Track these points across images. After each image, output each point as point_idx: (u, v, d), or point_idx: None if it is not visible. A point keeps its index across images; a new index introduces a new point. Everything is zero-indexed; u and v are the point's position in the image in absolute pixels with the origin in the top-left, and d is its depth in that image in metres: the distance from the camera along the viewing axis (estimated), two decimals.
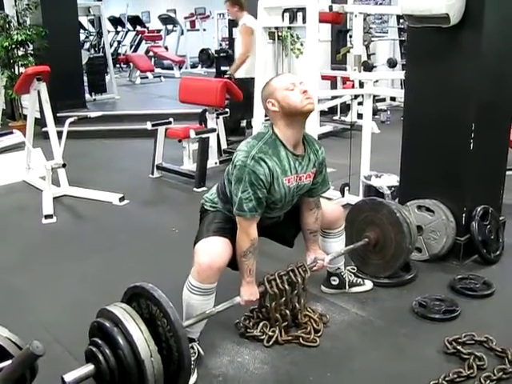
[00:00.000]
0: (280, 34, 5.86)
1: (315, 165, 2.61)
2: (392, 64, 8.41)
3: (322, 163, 2.67)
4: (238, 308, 2.66)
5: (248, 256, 2.46)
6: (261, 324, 2.73)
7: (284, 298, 2.67)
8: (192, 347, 2.46)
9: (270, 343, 2.66)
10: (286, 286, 2.65)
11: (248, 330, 2.74)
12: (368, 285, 3.19)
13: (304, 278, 2.70)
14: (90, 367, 2.00)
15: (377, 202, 3.28)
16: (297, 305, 2.73)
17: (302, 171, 2.54)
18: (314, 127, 3.88)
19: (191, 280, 2.44)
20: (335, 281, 3.14)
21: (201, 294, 2.43)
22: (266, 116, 4.33)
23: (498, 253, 3.53)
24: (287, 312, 2.69)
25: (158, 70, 13.73)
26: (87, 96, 9.11)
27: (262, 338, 2.68)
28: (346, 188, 4.57)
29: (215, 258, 2.40)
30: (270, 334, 2.68)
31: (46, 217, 4.48)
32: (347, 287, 3.13)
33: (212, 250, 2.42)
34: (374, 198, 3.34)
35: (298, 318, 2.76)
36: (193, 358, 2.43)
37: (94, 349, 2.02)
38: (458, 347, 2.53)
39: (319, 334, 2.72)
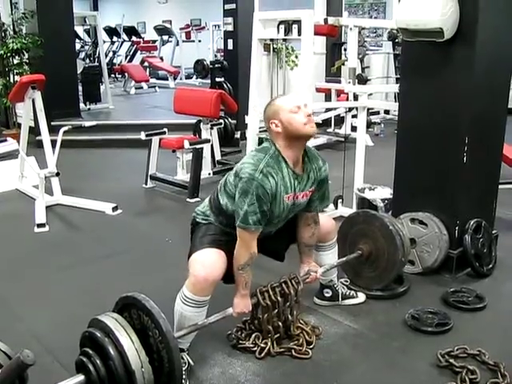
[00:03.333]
0: (275, 46, 5.90)
1: (314, 183, 2.61)
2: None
3: (323, 180, 2.66)
4: (230, 319, 2.65)
5: (245, 269, 2.45)
6: (253, 336, 2.71)
7: (276, 310, 2.66)
8: (182, 357, 2.45)
9: (262, 355, 2.64)
10: (279, 298, 2.64)
11: (240, 342, 2.72)
12: (361, 297, 3.19)
13: (297, 290, 2.70)
14: (80, 378, 1.98)
15: (370, 214, 3.28)
16: (289, 316, 2.72)
17: (300, 190, 2.54)
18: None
19: (185, 291, 2.42)
20: (328, 293, 3.13)
21: (194, 306, 2.42)
22: (260, 128, 4.34)
23: (490, 266, 3.53)
24: (279, 324, 2.68)
25: (152, 81, 13.76)
26: (82, 105, 9.10)
27: (254, 349, 2.67)
28: (340, 200, 4.58)
29: (211, 271, 2.39)
30: (262, 345, 2.67)
31: (39, 225, 4.46)
32: (340, 299, 3.13)
33: (207, 263, 2.40)
34: (367, 211, 3.34)
35: (290, 329, 2.75)
36: (183, 369, 2.42)
37: (85, 359, 2.00)
38: (451, 360, 2.53)
39: (311, 346, 2.71)
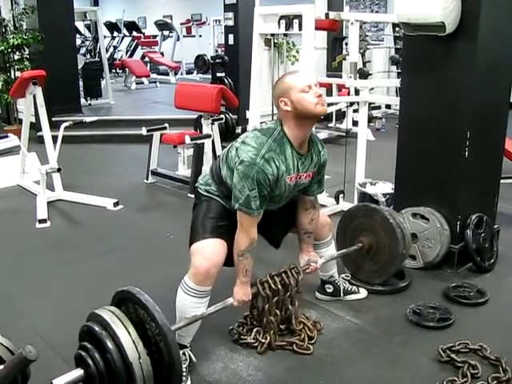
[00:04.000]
0: (276, 40, 5.88)
1: (316, 165, 2.60)
2: (395, 62, 8.44)
3: (322, 165, 2.66)
4: (232, 314, 2.66)
5: (245, 255, 2.43)
6: (254, 331, 2.71)
7: (276, 298, 2.64)
8: (184, 353, 2.46)
9: (263, 349, 2.65)
10: (279, 287, 2.62)
11: (241, 337, 2.73)
12: (363, 293, 3.19)
13: (297, 280, 2.69)
14: (80, 372, 1.98)
15: (370, 207, 3.28)
16: (290, 306, 2.71)
17: (303, 170, 2.52)
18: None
19: (187, 281, 2.42)
20: (330, 288, 3.13)
21: (196, 296, 2.42)
22: (261, 123, 4.33)
23: (492, 261, 3.53)
24: (277, 312, 2.66)
25: (153, 76, 13.75)
26: (82, 101, 9.10)
27: (255, 345, 2.67)
28: (341, 195, 4.57)
29: (212, 264, 2.39)
30: (262, 340, 2.67)
31: (40, 221, 4.46)
32: (342, 295, 3.13)
33: (209, 256, 2.40)
34: (367, 204, 3.33)
35: (292, 322, 2.75)
36: (185, 365, 2.43)
37: (83, 353, 2.00)
38: (452, 355, 2.53)
39: (313, 341, 2.72)
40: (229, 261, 2.49)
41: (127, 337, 1.94)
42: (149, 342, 2.00)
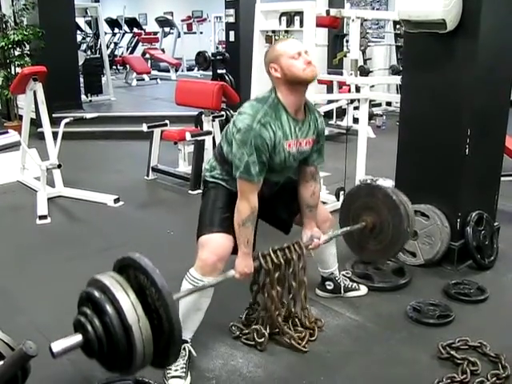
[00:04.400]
0: (277, 37, 5.87)
1: (315, 133, 2.59)
2: (395, 71, 8.44)
3: (321, 133, 2.65)
4: (232, 310, 2.66)
5: (247, 225, 2.42)
6: (252, 327, 2.71)
7: (278, 274, 2.60)
8: (184, 348, 2.47)
9: (262, 340, 2.66)
10: (282, 261, 2.58)
11: (243, 332, 2.74)
12: (363, 290, 3.19)
13: (299, 255, 2.64)
14: (78, 337, 1.93)
15: (372, 186, 3.19)
16: (293, 283, 2.66)
17: (302, 136, 2.52)
18: None
19: (193, 273, 2.45)
20: (330, 285, 3.14)
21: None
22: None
23: (492, 258, 3.53)
24: (279, 289, 2.61)
25: (154, 73, 13.74)
26: (83, 97, 9.09)
27: (259, 340, 2.67)
28: (342, 192, 4.57)
29: (219, 257, 2.43)
30: (259, 341, 2.67)
31: (41, 217, 4.46)
32: (342, 292, 3.13)
33: (216, 250, 2.43)
34: (369, 183, 3.22)
35: (295, 303, 2.71)
36: (184, 360, 2.45)
37: (82, 318, 1.95)
38: (452, 352, 2.53)
39: (314, 338, 2.72)
40: (236, 249, 2.51)
41: (126, 300, 1.89)
42: (149, 308, 1.95)
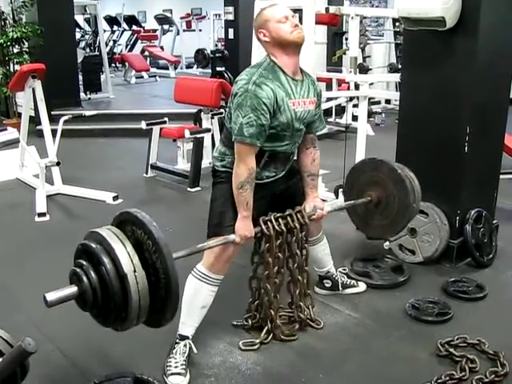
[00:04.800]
0: None
1: (315, 94, 2.60)
2: (393, 69, 8.43)
3: (319, 95, 2.65)
4: (232, 308, 2.65)
5: (245, 187, 2.40)
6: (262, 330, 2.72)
7: (280, 241, 2.57)
8: (185, 345, 2.49)
9: (268, 340, 2.67)
10: (283, 228, 2.55)
11: (248, 331, 2.75)
12: (361, 286, 3.19)
13: (302, 224, 2.61)
14: (73, 288, 1.91)
15: (376, 160, 3.08)
16: (297, 251, 2.63)
17: (305, 96, 2.52)
18: None
19: (202, 269, 2.48)
20: (328, 283, 3.14)
21: (210, 284, 2.48)
22: None
23: (490, 256, 3.54)
24: (279, 255, 2.59)
25: (153, 70, 13.73)
26: (82, 95, 9.09)
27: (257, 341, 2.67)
28: (340, 190, 4.57)
29: (230, 257, 2.48)
30: (256, 341, 2.67)
31: (39, 215, 4.46)
32: (340, 289, 3.13)
33: (229, 250, 2.46)
34: (374, 158, 3.09)
35: (299, 273, 2.70)
36: (184, 357, 2.46)
37: (78, 270, 1.94)
38: (451, 350, 2.54)
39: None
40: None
41: (122, 249, 1.88)
42: (146, 263, 1.92)
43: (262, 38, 2.47)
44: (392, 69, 8.50)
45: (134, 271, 1.86)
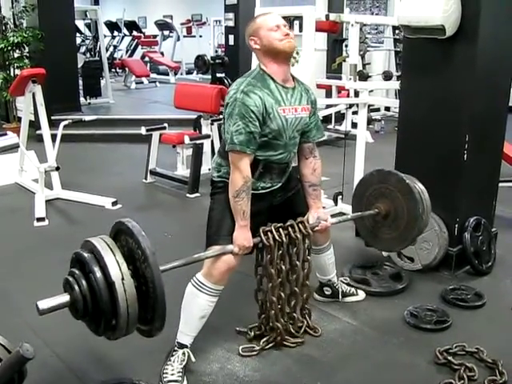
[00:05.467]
0: None
1: (308, 101, 2.61)
2: (388, 77, 8.44)
3: (314, 102, 2.66)
4: (231, 316, 2.64)
5: (241, 196, 2.40)
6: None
7: (281, 252, 2.55)
8: (184, 353, 2.47)
9: (268, 347, 2.67)
10: (284, 239, 2.53)
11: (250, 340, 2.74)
12: (361, 295, 3.19)
13: (304, 235, 2.59)
14: (66, 297, 1.94)
15: (384, 172, 3.08)
16: (297, 263, 2.60)
17: (296, 103, 2.53)
18: None
19: (201, 279, 2.46)
20: (328, 291, 3.13)
21: (209, 294, 2.46)
22: None
23: (489, 264, 3.53)
24: (282, 267, 2.57)
25: (153, 76, 13.75)
26: (82, 100, 9.10)
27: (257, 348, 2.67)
28: (340, 197, 4.57)
29: (231, 267, 2.46)
30: (256, 348, 2.67)
31: (38, 220, 4.46)
32: (340, 297, 3.13)
33: (229, 260, 2.44)
34: (381, 169, 3.10)
35: (297, 283, 2.67)
36: (182, 365, 2.45)
37: (70, 278, 1.96)
38: (449, 358, 2.53)
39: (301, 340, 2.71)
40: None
41: (111, 258, 1.90)
42: (138, 273, 1.95)
43: (253, 46, 2.51)
44: (387, 77, 8.50)
45: (122, 279, 1.89)
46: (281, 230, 2.54)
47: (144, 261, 1.92)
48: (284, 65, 2.49)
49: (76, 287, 1.93)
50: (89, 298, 1.91)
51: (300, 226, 2.60)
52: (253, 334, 2.75)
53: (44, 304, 1.89)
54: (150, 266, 1.90)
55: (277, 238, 2.52)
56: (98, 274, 1.89)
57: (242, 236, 2.44)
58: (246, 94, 2.36)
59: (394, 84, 6.32)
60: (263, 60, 2.49)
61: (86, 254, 1.96)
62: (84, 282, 1.92)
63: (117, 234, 2.07)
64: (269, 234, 2.52)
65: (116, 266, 1.90)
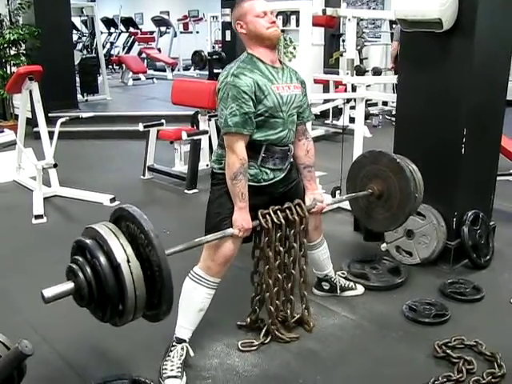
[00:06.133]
0: None
1: (298, 80, 2.64)
2: (377, 73, 8.43)
3: (303, 83, 2.69)
4: (230, 311, 2.64)
5: (239, 178, 2.39)
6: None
7: (280, 234, 2.56)
8: (182, 348, 2.48)
9: (267, 341, 2.68)
10: (282, 221, 2.54)
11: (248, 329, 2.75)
12: (360, 289, 3.19)
13: (302, 217, 2.60)
14: (70, 284, 1.92)
15: (375, 152, 3.08)
16: (294, 245, 2.62)
17: (288, 81, 2.56)
18: None
19: (199, 272, 2.49)
20: (326, 286, 3.13)
21: (207, 287, 2.48)
22: None
23: (487, 257, 3.54)
24: (281, 249, 2.58)
25: (150, 72, 13.73)
26: (79, 96, 9.08)
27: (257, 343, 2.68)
28: (338, 191, 4.57)
29: (228, 260, 2.48)
30: (255, 342, 2.68)
31: (37, 217, 4.46)
32: (339, 291, 3.13)
33: (226, 253, 2.46)
34: (373, 150, 3.11)
35: (295, 266, 2.67)
36: (181, 360, 2.45)
37: (73, 265, 1.95)
38: (448, 351, 2.54)
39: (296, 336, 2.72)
40: (249, 238, 2.54)
41: (115, 241, 1.89)
42: (142, 258, 1.93)
43: (240, 30, 2.54)
44: (376, 73, 8.48)
45: (128, 261, 1.87)
46: (279, 212, 2.55)
47: (148, 244, 1.90)
48: (270, 49, 2.52)
49: (80, 274, 1.91)
50: (94, 283, 1.89)
51: (297, 208, 2.61)
52: (249, 320, 2.76)
53: (49, 292, 1.88)
54: (154, 249, 1.89)
55: (275, 220, 2.53)
56: (102, 258, 1.87)
57: (241, 217, 2.43)
58: (237, 76, 2.39)
59: (392, 78, 6.31)
60: (249, 44, 2.53)
61: (88, 241, 1.94)
62: (88, 269, 1.90)
63: (116, 220, 2.05)
64: (267, 216, 2.53)
65: (121, 249, 1.88)
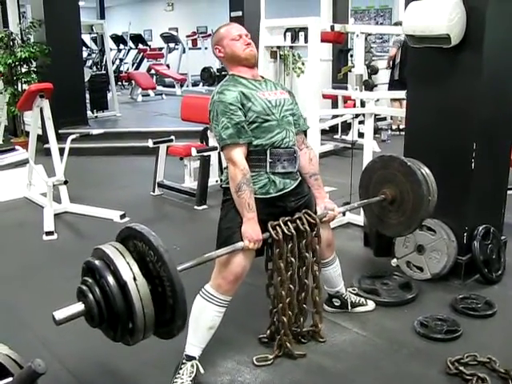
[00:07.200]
0: (282, 53, 5.90)
1: (282, 88, 2.74)
2: (367, 86, 8.39)
3: (290, 92, 2.80)
4: (242, 327, 2.63)
5: (243, 188, 2.41)
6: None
7: (291, 245, 2.55)
8: (192, 365, 2.47)
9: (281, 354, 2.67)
10: (293, 231, 2.53)
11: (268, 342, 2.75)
12: (371, 305, 3.18)
13: (313, 225, 2.59)
14: (80, 306, 1.94)
15: (386, 157, 3.07)
16: (307, 254, 2.61)
17: (272, 89, 2.65)
18: (315, 146, 3.89)
19: (210, 290, 2.49)
20: (337, 302, 3.12)
21: (217, 305, 2.48)
22: None
23: (499, 272, 3.51)
24: (292, 260, 2.57)
25: (159, 88, 13.80)
26: (89, 113, 9.16)
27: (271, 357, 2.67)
28: (347, 206, 4.56)
29: (239, 277, 2.48)
30: (270, 356, 2.67)
31: (47, 233, 4.47)
32: (350, 308, 3.12)
33: (236, 270, 2.46)
34: (383, 155, 3.10)
35: (307, 274, 2.66)
36: (191, 378, 2.45)
37: (83, 287, 1.97)
38: (461, 368, 2.51)
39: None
40: (261, 251, 2.55)
41: (121, 259, 1.91)
42: (151, 275, 1.94)
43: (218, 54, 2.67)
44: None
45: (134, 279, 1.88)
46: (289, 223, 2.55)
47: (158, 260, 1.92)
48: (249, 67, 2.62)
49: (89, 295, 1.93)
50: (103, 303, 1.90)
51: (307, 216, 2.60)
52: (269, 332, 2.76)
53: (60, 314, 1.89)
54: (164, 264, 1.90)
55: (285, 231, 2.52)
56: (110, 278, 1.89)
57: (250, 228, 2.42)
58: (221, 93, 2.49)
59: (400, 94, 6.31)
60: (230, 66, 2.66)
61: (96, 261, 1.97)
62: (97, 289, 1.92)
63: (124, 240, 2.06)
64: (277, 228, 2.52)
65: (127, 267, 1.90)
